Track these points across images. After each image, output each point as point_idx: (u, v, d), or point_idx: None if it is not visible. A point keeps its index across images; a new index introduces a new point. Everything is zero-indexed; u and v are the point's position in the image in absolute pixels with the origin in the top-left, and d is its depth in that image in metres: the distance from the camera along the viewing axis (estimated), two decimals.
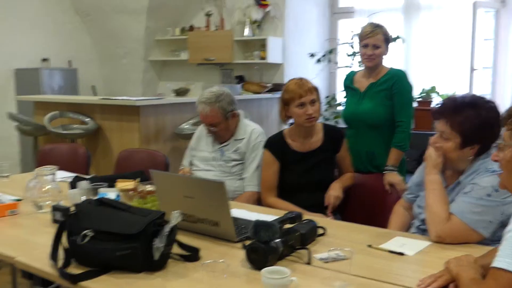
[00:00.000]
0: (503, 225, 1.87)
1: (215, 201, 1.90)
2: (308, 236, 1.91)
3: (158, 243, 1.62)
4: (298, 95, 2.57)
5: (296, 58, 6.32)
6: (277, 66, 6.27)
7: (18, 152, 6.74)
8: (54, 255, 1.71)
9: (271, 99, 5.84)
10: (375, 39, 2.90)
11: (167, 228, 1.64)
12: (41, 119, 4.92)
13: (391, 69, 3.00)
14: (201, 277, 1.55)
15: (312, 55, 5.99)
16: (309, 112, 2.58)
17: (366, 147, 2.96)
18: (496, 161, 1.55)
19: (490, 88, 5.84)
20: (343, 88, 3.25)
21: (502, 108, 1.82)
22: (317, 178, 2.68)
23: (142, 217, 1.67)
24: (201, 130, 3.08)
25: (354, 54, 5.70)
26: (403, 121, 2.90)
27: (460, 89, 5.51)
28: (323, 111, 6.00)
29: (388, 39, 2.96)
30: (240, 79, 6.40)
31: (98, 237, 1.65)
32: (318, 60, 5.96)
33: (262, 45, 6.09)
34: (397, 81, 2.92)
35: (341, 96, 6.03)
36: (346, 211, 2.72)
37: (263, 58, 6.07)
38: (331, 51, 6.00)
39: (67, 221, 1.73)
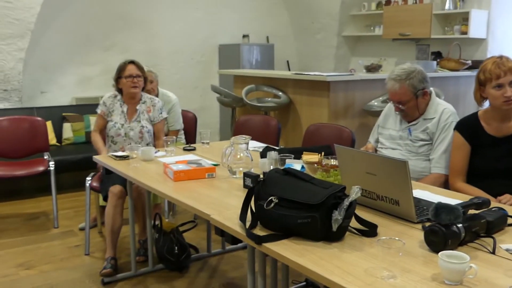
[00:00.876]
0: None
1: (397, 180, 1.89)
2: (495, 224, 1.80)
3: (337, 215, 1.68)
4: (495, 75, 2.39)
5: (502, 33, 5.78)
6: (479, 42, 5.82)
7: (218, 122, 7.39)
8: (243, 217, 1.88)
9: (470, 77, 5.45)
10: None
11: (346, 202, 1.69)
12: (239, 92, 5.31)
13: None
14: (376, 253, 1.58)
15: None
16: (508, 94, 2.38)
17: None
18: None
19: None
20: None
21: None
22: (510, 164, 2.48)
23: (323, 189, 1.74)
24: (389, 107, 3.04)
25: None
26: None
27: None
28: None
29: None
30: (437, 55, 6.09)
31: (282, 204, 1.77)
32: None
33: (464, 18, 5.69)
34: None
35: None
36: None
37: (464, 32, 5.68)
38: None
39: (256, 187, 1.89)
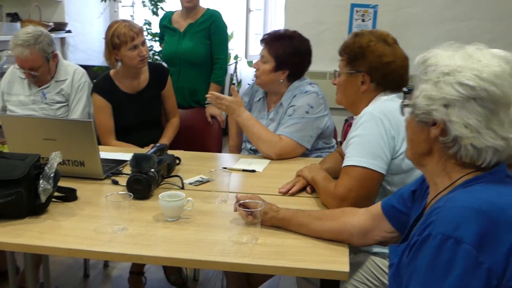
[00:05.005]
0: (318, 137, 2.35)
1: (81, 141, 1.90)
2: (172, 165, 2.06)
3: (46, 185, 1.60)
4: (130, 38, 2.57)
5: None
6: (56, 4, 5.87)
7: None
8: None
9: (55, 39, 5.47)
10: None
11: (52, 169, 1.62)
12: None
13: (208, 9, 3.18)
14: (94, 212, 1.61)
15: None
16: (143, 53, 2.62)
17: (188, 84, 3.14)
18: (334, 84, 1.94)
19: (262, 28, 6.46)
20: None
21: None
22: (149, 116, 2.79)
23: (20, 161, 1.62)
24: (12, 72, 2.86)
25: None
26: (221, 58, 3.16)
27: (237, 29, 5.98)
28: None
29: None
30: (13, 17, 5.81)
31: None
32: None
33: None
34: (215, 21, 3.12)
35: None
36: (181, 146, 2.84)
37: None
38: None
39: None
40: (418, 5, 5.30)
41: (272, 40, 2.43)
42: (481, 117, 1.04)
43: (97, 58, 6.17)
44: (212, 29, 3.11)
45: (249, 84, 5.86)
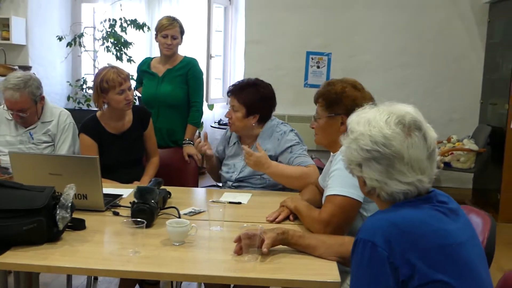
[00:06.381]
0: None
1: (86, 176, 2.08)
2: (165, 198, 2.26)
3: (64, 214, 1.77)
4: (118, 83, 2.75)
5: (40, 40, 6.14)
6: (20, 48, 5.99)
7: None
8: None
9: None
10: (173, 31, 3.32)
11: (69, 199, 1.79)
12: None
13: (185, 57, 3.46)
14: (102, 239, 1.78)
15: (60, 38, 5.92)
16: (129, 97, 2.82)
17: (166, 125, 3.37)
18: (313, 127, 2.20)
19: (222, 73, 6.78)
20: (134, 73, 3.56)
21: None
22: (133, 155, 2.97)
23: (39, 192, 1.78)
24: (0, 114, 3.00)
25: (104, 38, 5.88)
26: (197, 101, 3.42)
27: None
28: None
29: (183, 31, 3.40)
30: None
31: None
32: (69, 44, 5.93)
33: (4, 24, 5.75)
34: (192, 68, 3.40)
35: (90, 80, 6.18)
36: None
37: (6, 38, 5.74)
38: (81, 35, 6.02)
39: None
40: (368, 53, 5.78)
41: (238, 90, 2.71)
42: (382, 171, 1.35)
43: (59, 101, 6.29)
44: (189, 75, 3.37)
45: (211, 126, 6.16)
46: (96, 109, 2.90)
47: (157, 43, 3.41)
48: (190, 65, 3.41)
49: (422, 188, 1.37)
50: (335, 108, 2.09)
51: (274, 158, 2.63)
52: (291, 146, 2.61)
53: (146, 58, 3.57)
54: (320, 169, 2.43)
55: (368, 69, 5.71)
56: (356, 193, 1.90)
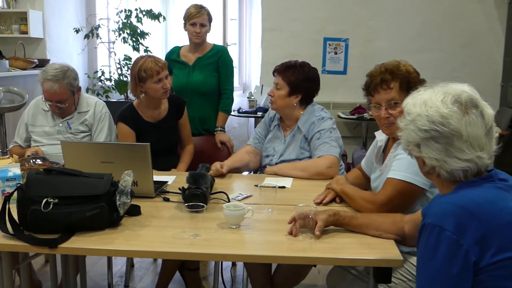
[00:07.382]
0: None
1: (136, 163, 2.12)
2: (213, 183, 2.30)
3: (125, 199, 1.81)
4: (156, 72, 2.79)
5: (57, 33, 6.16)
6: (38, 41, 6.01)
7: None
8: (3, 228, 1.73)
9: (36, 75, 5.58)
10: (201, 19, 3.33)
11: (128, 185, 1.83)
12: None
13: (215, 45, 3.48)
14: (159, 223, 1.82)
15: (77, 31, 5.93)
16: (167, 86, 2.85)
17: (198, 113, 3.39)
18: (388, 117, 2.09)
19: (237, 62, 6.78)
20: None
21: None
22: (169, 143, 3.01)
23: (99, 179, 1.82)
24: (35, 105, 3.04)
25: (120, 29, 5.89)
26: (228, 88, 3.45)
27: None
28: None
29: (211, 19, 3.42)
30: None
31: (61, 202, 1.74)
32: (87, 36, 5.95)
33: (21, 18, 5.77)
34: (222, 56, 3.43)
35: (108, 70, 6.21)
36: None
37: (24, 32, 5.76)
38: (98, 27, 6.04)
39: (18, 193, 1.75)
40: (385, 38, 5.78)
41: (284, 69, 2.74)
42: (441, 150, 1.38)
43: None
44: (220, 63, 3.40)
45: (230, 115, 6.17)
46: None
47: (186, 32, 3.43)
48: (220, 53, 3.43)
49: (482, 164, 1.40)
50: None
51: (307, 142, 2.68)
52: (319, 131, 2.64)
53: (174, 47, 3.58)
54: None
55: (386, 54, 5.68)
56: (421, 181, 1.90)
